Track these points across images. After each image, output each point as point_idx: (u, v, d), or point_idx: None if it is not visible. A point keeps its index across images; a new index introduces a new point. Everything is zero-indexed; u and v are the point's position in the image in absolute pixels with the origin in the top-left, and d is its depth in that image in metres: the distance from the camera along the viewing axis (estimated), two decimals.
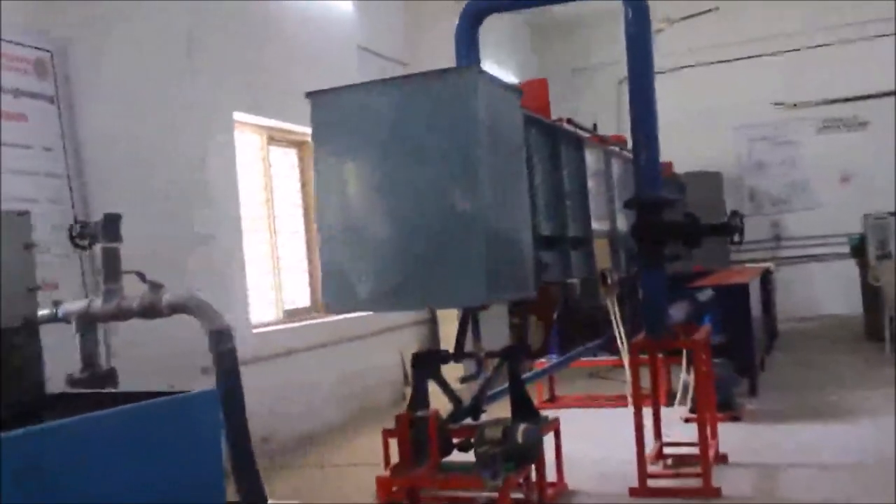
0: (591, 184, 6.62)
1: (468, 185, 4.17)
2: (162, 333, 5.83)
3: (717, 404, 6.99)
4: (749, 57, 14.48)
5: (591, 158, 6.81)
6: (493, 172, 4.31)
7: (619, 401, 7.61)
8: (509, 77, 13.91)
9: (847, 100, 14.24)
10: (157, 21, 6.26)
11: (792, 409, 7.60)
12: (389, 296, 4.41)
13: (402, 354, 9.46)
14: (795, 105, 14.51)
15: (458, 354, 5.32)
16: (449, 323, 9.70)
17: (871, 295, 11.01)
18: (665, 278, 4.68)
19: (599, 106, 15.09)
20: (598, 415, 8.08)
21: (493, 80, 4.51)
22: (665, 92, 14.78)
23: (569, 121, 6.42)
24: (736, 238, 4.81)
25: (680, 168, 13.33)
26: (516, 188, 4.77)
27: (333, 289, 4.59)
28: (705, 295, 7.29)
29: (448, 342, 9.90)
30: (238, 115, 7.37)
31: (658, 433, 5.89)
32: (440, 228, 4.23)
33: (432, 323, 9.89)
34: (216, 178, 6.86)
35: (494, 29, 13.93)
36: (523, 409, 5.05)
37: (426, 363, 5.21)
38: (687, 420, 6.79)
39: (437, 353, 5.39)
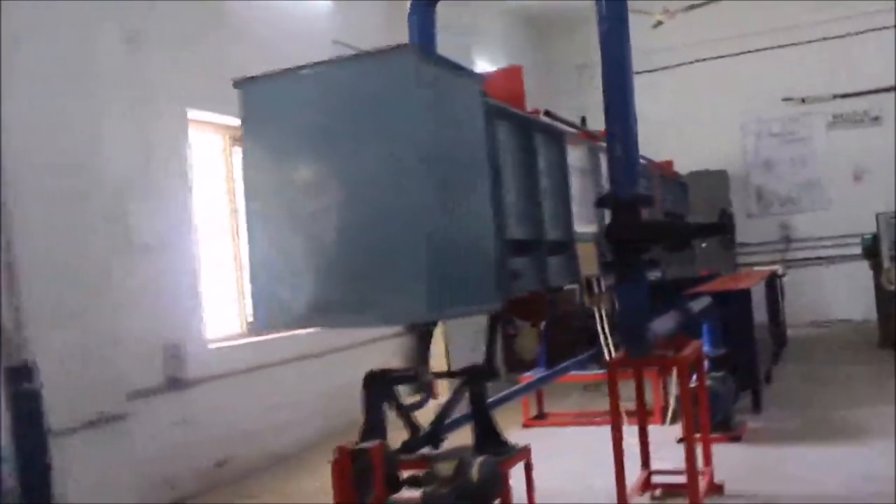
0: (574, 183, 6.06)
1: (405, 183, 3.59)
2: (96, 354, 5.33)
3: (714, 424, 6.39)
4: (755, 50, 13.88)
5: (576, 155, 6.25)
6: (439, 168, 3.73)
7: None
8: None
9: (859, 94, 13.59)
10: (94, 9, 5.71)
11: (799, 427, 6.98)
12: (321, 312, 3.84)
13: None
14: (804, 100, 13.88)
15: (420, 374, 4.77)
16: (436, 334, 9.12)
17: (886, 299, 10.36)
18: (645, 287, 4.07)
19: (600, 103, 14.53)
20: (589, 433, 7.49)
21: (441, 63, 3.93)
22: (667, 88, 14.43)
23: (547, 113, 5.84)
24: (726, 239, 4.19)
25: (683, 167, 12.78)
26: (475, 187, 4.21)
27: (262, 303, 4.03)
28: (702, 303, 6.68)
29: (435, 355, 9.36)
30: (196, 114, 6.82)
31: (645, 460, 5.29)
32: (376, 234, 3.66)
33: None
34: (166, 180, 6.30)
35: (487, 26, 13.46)
36: (488, 437, 4.46)
37: (380, 384, 4.63)
38: (681, 440, 6.18)
39: (394, 373, 4.79)
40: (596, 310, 6.37)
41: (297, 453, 7.17)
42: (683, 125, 13.96)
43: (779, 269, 11.92)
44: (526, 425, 7.95)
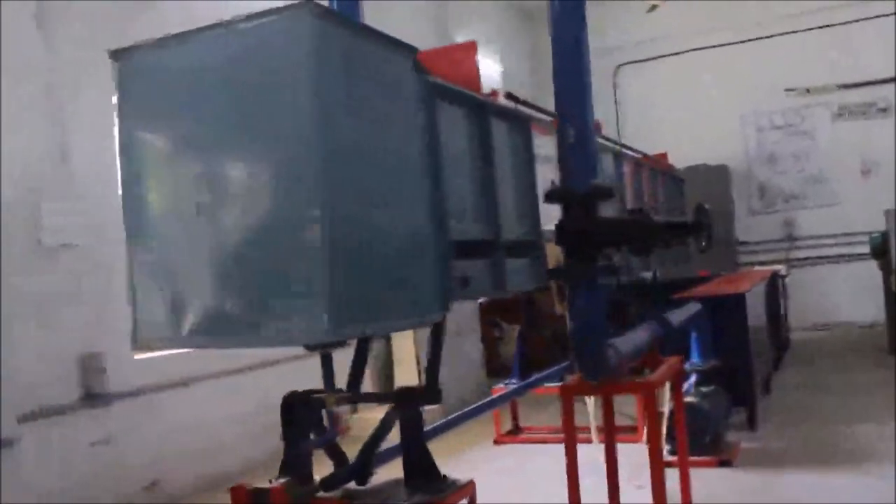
0: (546, 176, 5.39)
1: (303, 176, 2.93)
2: None
3: (703, 446, 5.73)
4: (757, 38, 13.17)
5: (547, 145, 5.61)
6: (350, 158, 3.08)
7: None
8: (494, 65, 12.66)
9: (866, 84, 12.85)
10: None
11: (798, 447, 6.27)
12: (208, 330, 3.19)
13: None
14: (809, 90, 13.15)
15: (354, 395, 4.13)
16: (403, 337, 8.46)
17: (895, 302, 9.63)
18: (603, 297, 3.38)
19: (594, 92, 13.85)
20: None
21: (356, 30, 3.27)
22: (664, 78, 13.72)
23: (508, 95, 5.17)
24: (702, 239, 3.52)
25: (680, 161, 12.07)
26: (406, 180, 3.56)
27: (143, 319, 3.41)
28: (689, 309, 5.99)
29: (403, 361, 8.68)
30: None
31: (613, 494, 4.60)
32: (270, 238, 3.01)
33: (385, 338, 8.60)
34: (87, 174, 5.64)
35: (478, 17, 12.78)
36: (421, 473, 3.79)
37: (303, 408, 3.98)
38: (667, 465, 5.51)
39: (318, 394, 4.14)
40: (568, 315, 5.71)
41: (240, 474, 6.48)
42: (681, 117, 13.29)
43: (781, 268, 11.23)
44: (498, 441, 7.29)
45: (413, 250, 3.60)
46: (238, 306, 3.09)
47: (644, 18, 12.93)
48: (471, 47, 4.95)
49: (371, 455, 3.86)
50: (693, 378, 6.13)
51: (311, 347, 3.51)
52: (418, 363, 8.29)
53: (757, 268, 11.79)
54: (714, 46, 13.33)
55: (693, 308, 6.12)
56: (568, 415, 3.88)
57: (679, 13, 12.93)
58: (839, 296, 12.68)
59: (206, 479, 6.26)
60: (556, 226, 3.30)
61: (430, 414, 8.04)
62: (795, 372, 9.39)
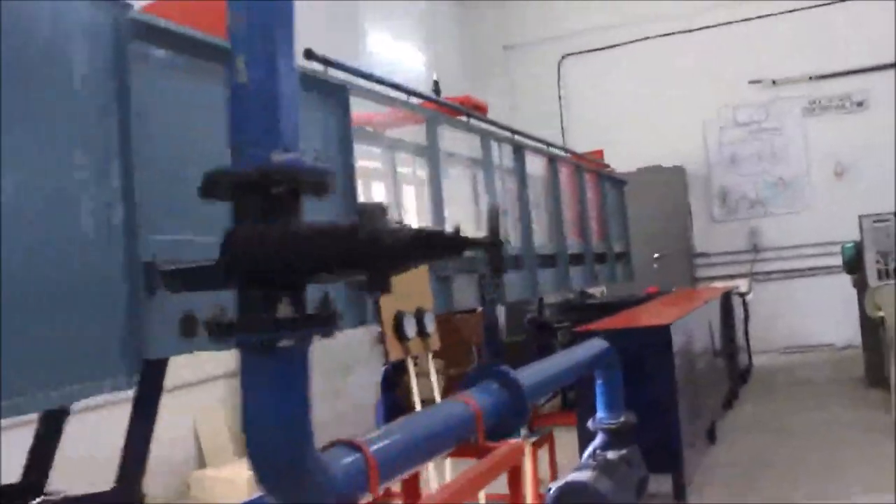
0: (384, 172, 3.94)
1: None
2: None
3: None
4: (716, 24, 11.77)
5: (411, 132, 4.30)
6: None
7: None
8: (417, 56, 11.15)
9: (840, 74, 11.43)
10: None
11: None
12: None
13: (196, 424, 6.67)
14: (776, 82, 11.72)
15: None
16: None
17: (873, 325, 8.13)
18: (301, 370, 1.76)
19: (536, 85, 12.47)
20: None
21: None
22: (612, 70, 12.22)
23: (309, 54, 3.65)
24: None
25: (631, 162, 10.68)
26: (41, 171, 2.24)
27: None
28: (586, 352, 4.47)
29: None
30: None
31: None
32: None
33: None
34: None
35: (404, 3, 11.32)
36: None
37: None
38: None
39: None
40: (410, 362, 4.18)
41: None
42: (633, 113, 11.86)
43: (742, 284, 9.75)
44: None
45: (44, 284, 2.24)
46: None
47: (591, 3, 11.55)
48: None
49: None
50: (598, 439, 4.62)
51: None
52: None
53: (716, 283, 10.33)
54: (670, 34, 11.91)
55: (596, 347, 4.60)
56: None
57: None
58: (810, 314, 11.18)
59: None
60: (222, 245, 1.76)
61: None
62: (754, 410, 7.86)
